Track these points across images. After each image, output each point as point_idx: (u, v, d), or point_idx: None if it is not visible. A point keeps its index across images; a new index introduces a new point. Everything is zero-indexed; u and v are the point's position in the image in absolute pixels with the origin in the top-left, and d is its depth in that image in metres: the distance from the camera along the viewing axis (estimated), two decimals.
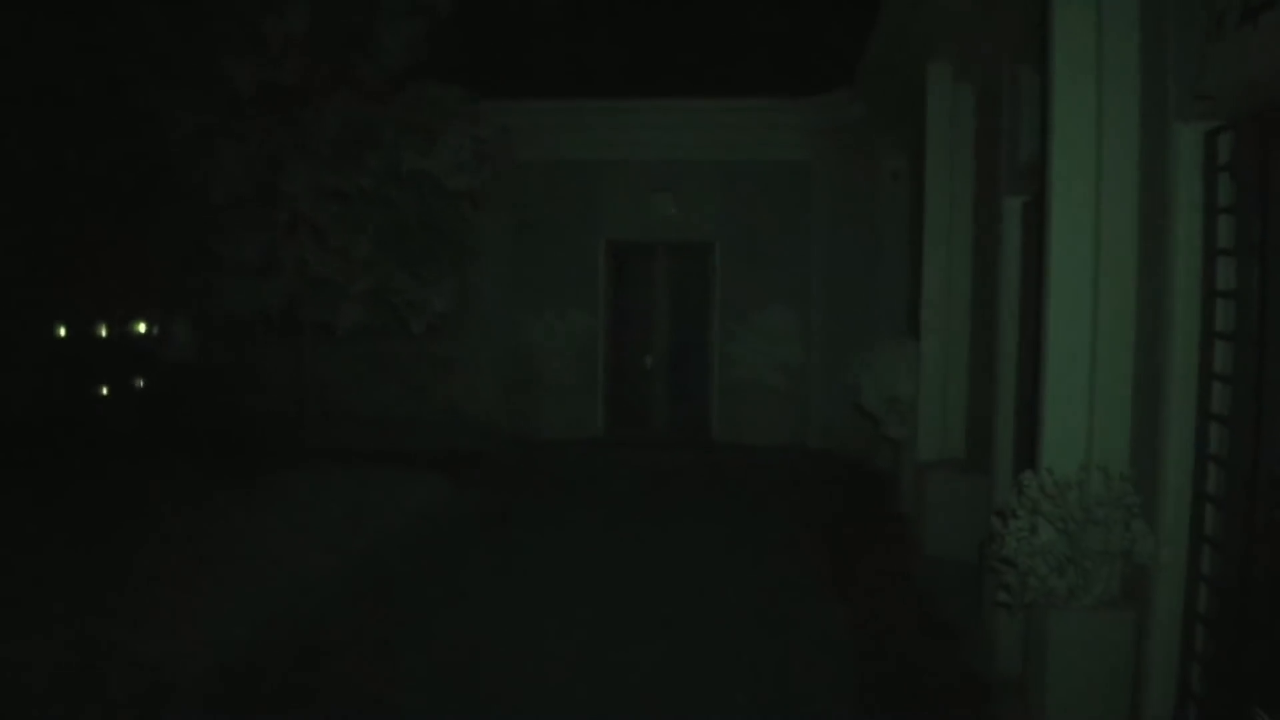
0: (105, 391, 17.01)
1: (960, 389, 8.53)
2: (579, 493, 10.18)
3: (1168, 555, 4.34)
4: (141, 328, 18.90)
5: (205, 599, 6.19)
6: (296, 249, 9.55)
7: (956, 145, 8.49)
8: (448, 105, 9.65)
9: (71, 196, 12.76)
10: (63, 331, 17.12)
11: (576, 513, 9.26)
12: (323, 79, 9.47)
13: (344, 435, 11.39)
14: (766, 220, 13.51)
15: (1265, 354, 3.82)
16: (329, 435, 10.70)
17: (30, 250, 13.73)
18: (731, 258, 13.70)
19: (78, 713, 4.78)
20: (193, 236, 9.61)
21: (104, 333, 17.92)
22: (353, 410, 12.53)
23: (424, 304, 10.09)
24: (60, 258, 14.28)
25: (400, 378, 13.03)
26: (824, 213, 13.32)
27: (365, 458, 10.54)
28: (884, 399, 8.96)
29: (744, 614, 6.40)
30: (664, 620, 6.24)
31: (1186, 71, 4.06)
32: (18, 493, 9.23)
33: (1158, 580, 4.39)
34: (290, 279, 9.65)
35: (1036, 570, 4.44)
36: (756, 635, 6.04)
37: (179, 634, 5.64)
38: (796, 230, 13.43)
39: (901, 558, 7.76)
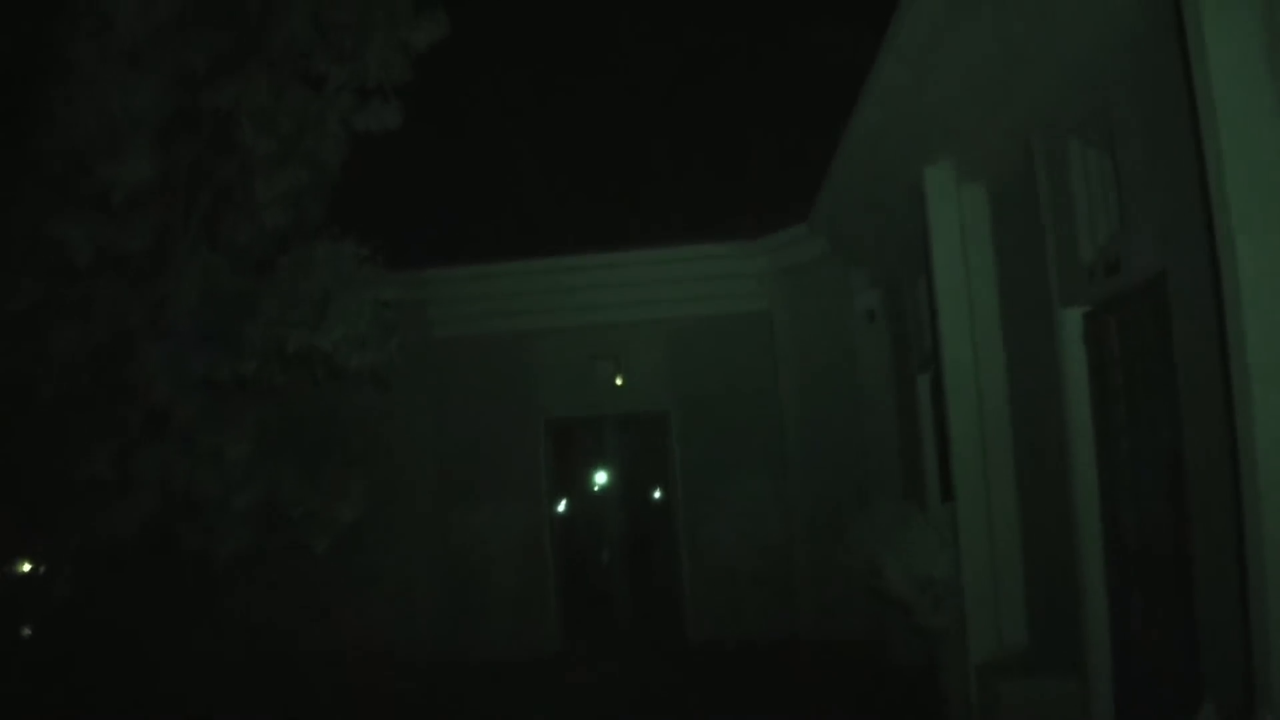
0: None
1: (1014, 561, 6.70)
2: None
3: None
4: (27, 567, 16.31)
5: None
6: (156, 456, 7.54)
7: (970, 260, 6.93)
8: (341, 267, 7.86)
9: None
10: None
11: None
12: (181, 240, 7.68)
13: (238, 684, 9.19)
14: (727, 381, 11.84)
15: None
16: (218, 686, 8.51)
17: None
18: (690, 427, 11.98)
19: None
20: (20, 448, 7.53)
21: None
22: (252, 645, 10.25)
23: (328, 516, 8.06)
24: None
25: (308, 602, 10.78)
26: (792, 366, 11.66)
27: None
28: (916, 582, 7.07)
29: None
30: None
31: None
32: None
33: None
34: (149, 496, 7.58)
35: None
36: None
37: None
38: (762, 389, 11.75)
39: None
